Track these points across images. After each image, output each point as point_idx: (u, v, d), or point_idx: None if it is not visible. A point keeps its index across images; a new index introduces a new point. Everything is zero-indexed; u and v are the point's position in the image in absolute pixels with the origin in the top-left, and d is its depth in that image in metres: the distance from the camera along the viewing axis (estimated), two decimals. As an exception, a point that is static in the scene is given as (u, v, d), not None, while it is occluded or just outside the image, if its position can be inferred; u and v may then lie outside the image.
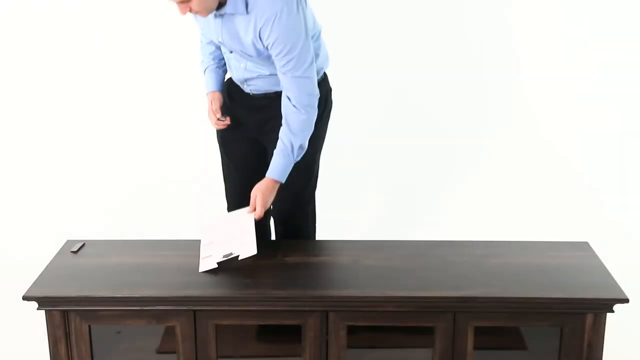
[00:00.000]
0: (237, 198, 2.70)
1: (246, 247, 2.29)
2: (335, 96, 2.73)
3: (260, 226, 2.69)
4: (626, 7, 3.92)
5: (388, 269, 2.32)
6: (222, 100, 2.65)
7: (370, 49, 3.98)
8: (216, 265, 2.27)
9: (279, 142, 2.44)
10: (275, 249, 2.46)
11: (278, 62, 2.36)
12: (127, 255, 2.42)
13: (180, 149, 4.06)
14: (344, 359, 2.20)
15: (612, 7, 3.92)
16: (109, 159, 4.06)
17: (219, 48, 2.65)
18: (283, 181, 2.47)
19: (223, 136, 2.72)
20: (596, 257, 2.39)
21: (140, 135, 4.06)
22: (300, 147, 2.44)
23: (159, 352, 2.38)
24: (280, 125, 2.44)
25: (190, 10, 2.29)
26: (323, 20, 2.60)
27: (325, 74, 2.64)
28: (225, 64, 2.66)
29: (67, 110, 4.06)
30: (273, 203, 2.52)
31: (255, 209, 2.43)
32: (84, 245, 2.48)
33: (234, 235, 2.37)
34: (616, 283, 2.21)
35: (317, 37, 2.53)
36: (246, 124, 2.65)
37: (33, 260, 2.94)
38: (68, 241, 2.52)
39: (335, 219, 3.84)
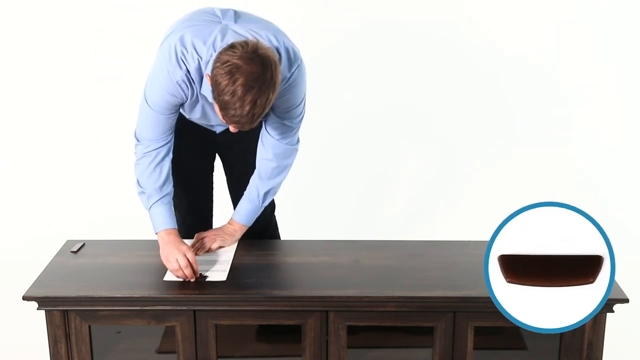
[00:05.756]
0: (197, 215, 2.66)
1: (218, 273, 2.28)
2: (336, 96, 2.74)
3: (267, 225, 2.69)
4: (630, 6, 3.92)
5: (388, 269, 2.31)
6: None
7: (371, 48, 3.98)
8: (182, 279, 2.24)
9: (248, 186, 2.46)
10: (275, 249, 2.47)
11: (277, 109, 2.28)
12: (127, 255, 2.41)
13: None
14: (344, 359, 2.20)
15: (617, 8, 3.92)
16: (109, 159, 4.05)
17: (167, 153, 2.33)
18: (249, 225, 2.49)
19: (180, 153, 2.44)
20: (596, 257, 2.39)
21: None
22: (267, 193, 2.45)
23: (159, 352, 2.38)
24: (251, 147, 2.42)
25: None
26: (320, 21, 2.59)
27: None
28: (172, 195, 2.39)
29: (67, 111, 4.06)
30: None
31: (205, 243, 2.40)
32: (84, 245, 2.48)
33: (210, 260, 2.36)
34: (616, 283, 2.21)
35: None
36: (208, 145, 2.56)
37: (33, 260, 2.93)
38: (68, 241, 2.52)
39: (335, 219, 3.85)
